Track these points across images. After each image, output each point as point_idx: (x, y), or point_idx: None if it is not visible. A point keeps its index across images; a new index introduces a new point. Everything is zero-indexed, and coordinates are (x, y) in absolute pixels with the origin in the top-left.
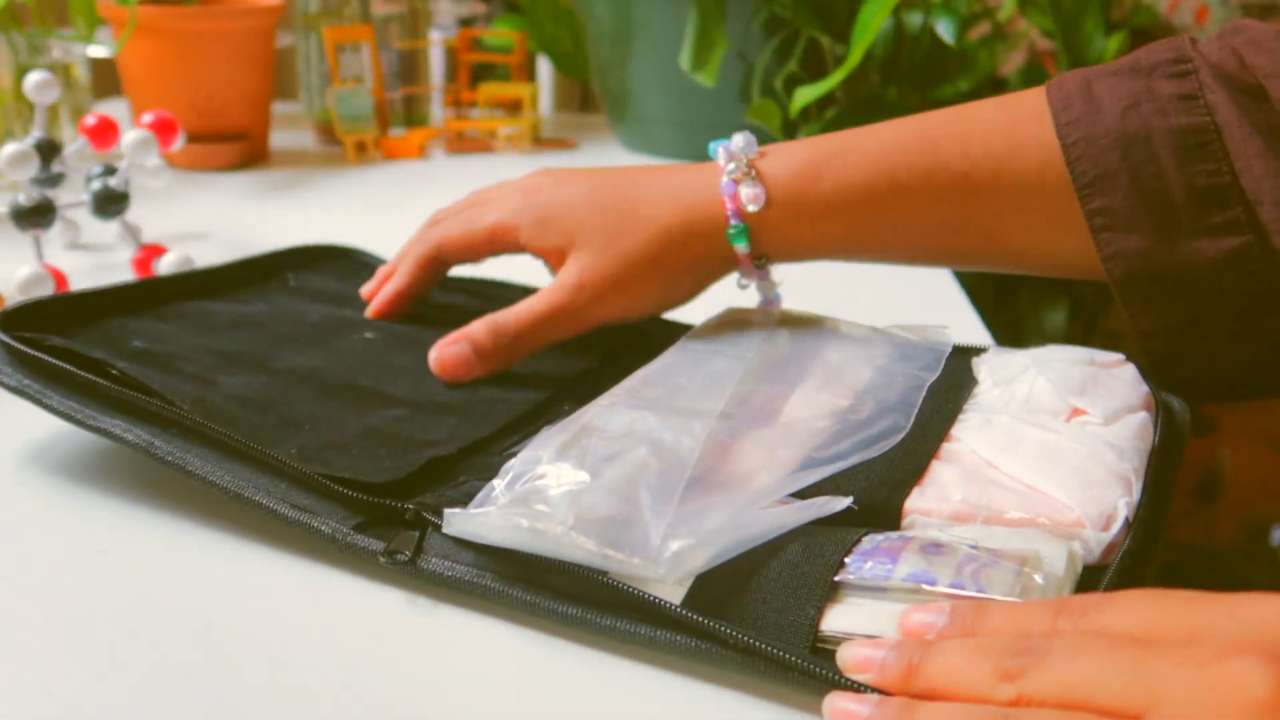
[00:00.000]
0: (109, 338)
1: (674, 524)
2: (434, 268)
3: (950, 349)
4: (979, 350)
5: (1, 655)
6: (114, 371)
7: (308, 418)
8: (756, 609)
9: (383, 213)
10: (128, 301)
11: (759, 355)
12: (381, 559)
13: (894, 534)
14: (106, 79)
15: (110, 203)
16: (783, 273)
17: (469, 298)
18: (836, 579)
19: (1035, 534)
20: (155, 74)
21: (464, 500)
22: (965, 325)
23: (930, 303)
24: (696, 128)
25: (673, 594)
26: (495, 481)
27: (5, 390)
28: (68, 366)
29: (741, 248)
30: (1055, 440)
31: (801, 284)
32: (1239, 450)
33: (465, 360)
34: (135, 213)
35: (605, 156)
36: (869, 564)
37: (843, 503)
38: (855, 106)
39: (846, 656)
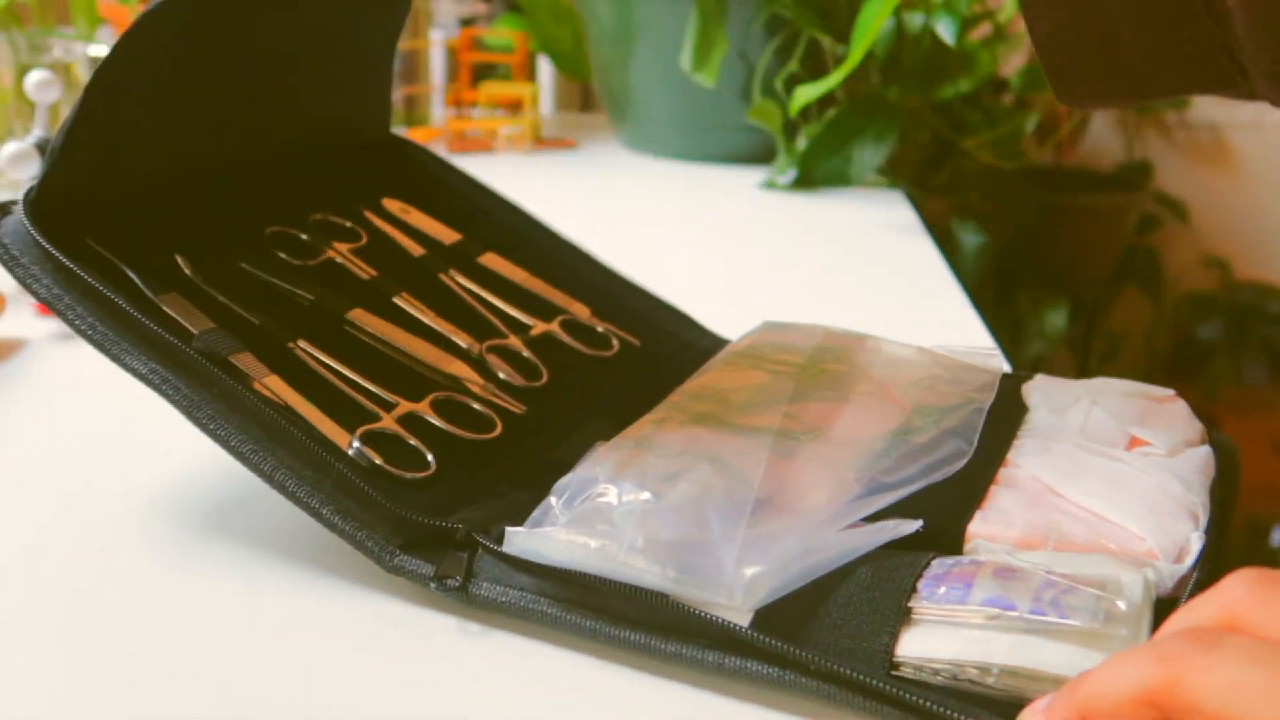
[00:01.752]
0: (160, 240)
1: (745, 548)
2: None
3: (1001, 374)
4: (1026, 377)
5: (1, 655)
6: (158, 301)
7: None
8: (828, 634)
9: None
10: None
11: (806, 370)
12: (431, 584)
13: (964, 559)
14: None
15: None
16: (783, 274)
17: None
18: (909, 604)
19: (1107, 560)
20: None
21: (513, 515)
22: (965, 325)
23: (931, 303)
24: (697, 128)
25: (739, 617)
26: (551, 499)
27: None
28: (102, 289)
29: None
30: (1121, 469)
31: (800, 286)
32: (1238, 451)
33: None
34: None
35: (605, 156)
36: (942, 589)
37: (913, 525)
38: (855, 106)
39: None
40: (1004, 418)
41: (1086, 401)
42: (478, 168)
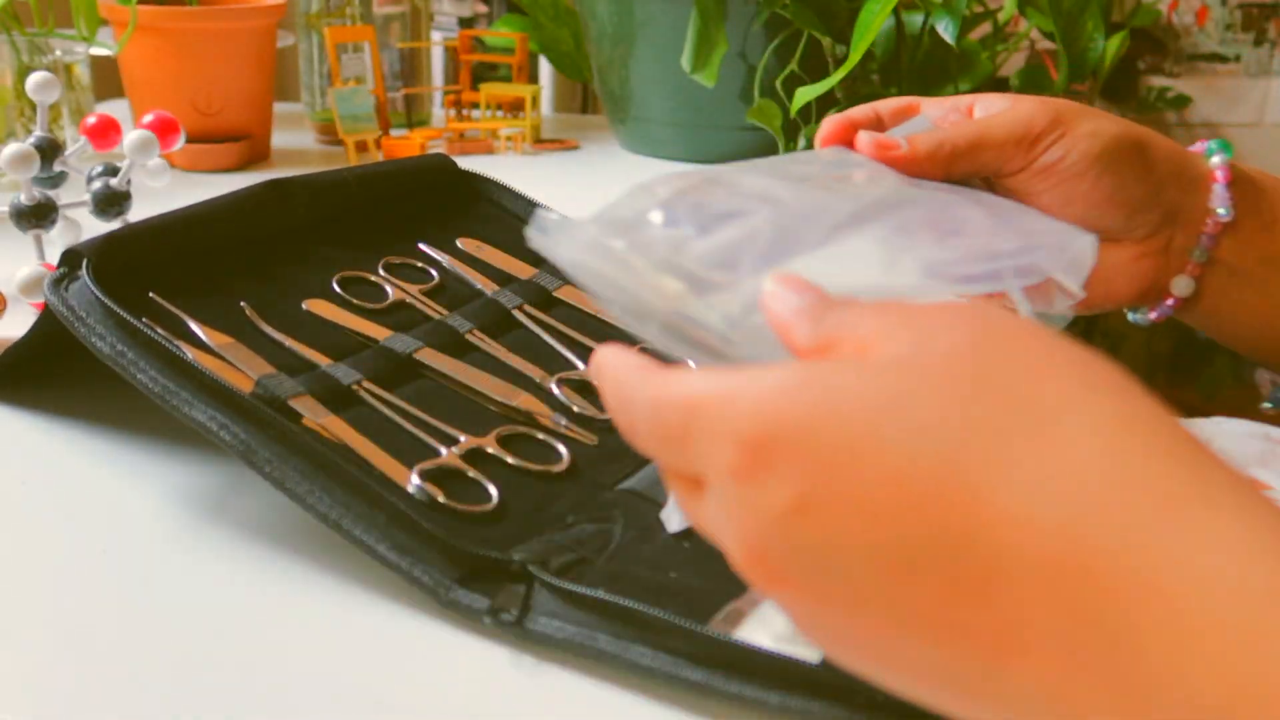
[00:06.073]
0: (214, 293)
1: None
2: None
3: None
4: None
5: (2, 655)
6: (213, 347)
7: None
8: None
9: None
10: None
11: (901, 183)
12: (486, 619)
13: None
14: (108, 79)
15: (111, 203)
16: None
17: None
18: None
19: None
20: (156, 74)
21: (576, 547)
22: None
23: None
24: (697, 128)
25: (809, 653)
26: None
27: (100, 357)
28: (165, 340)
29: (1218, 160)
30: None
31: None
32: None
33: (894, 145)
34: (136, 213)
35: (606, 157)
36: None
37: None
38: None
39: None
40: None
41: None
42: (478, 169)
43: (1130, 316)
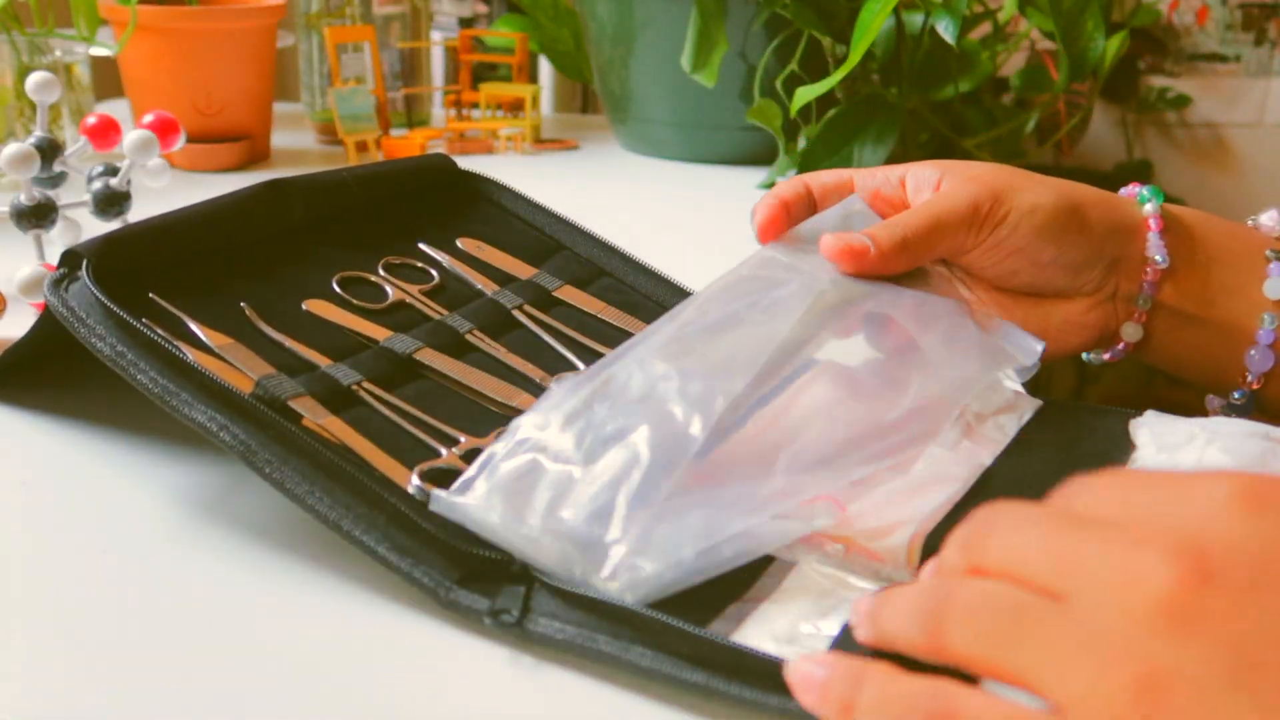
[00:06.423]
0: (214, 294)
1: (642, 540)
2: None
3: (1038, 358)
4: (1135, 413)
5: (2, 655)
6: (215, 348)
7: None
8: None
9: None
10: (244, 233)
11: (814, 310)
12: (486, 619)
13: None
14: (108, 79)
15: (111, 203)
16: None
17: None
18: None
19: None
20: (157, 74)
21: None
22: None
23: None
24: (697, 128)
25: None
26: (496, 446)
27: (101, 357)
28: (165, 341)
29: (1150, 208)
30: None
31: None
32: None
33: (864, 251)
34: (136, 213)
35: (606, 157)
36: None
37: (832, 516)
38: (855, 106)
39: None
40: (1108, 456)
41: (1202, 441)
42: (478, 169)
43: (1085, 357)
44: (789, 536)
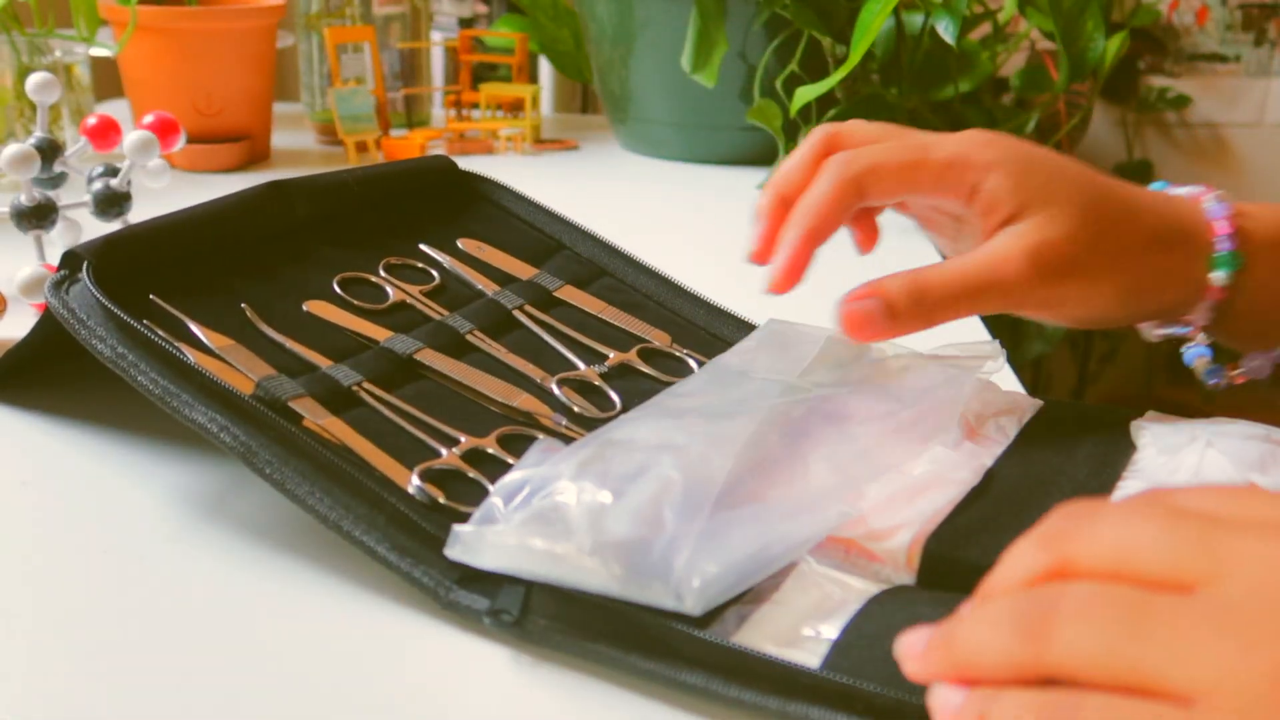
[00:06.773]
0: (215, 295)
1: (698, 548)
2: (852, 202)
3: (999, 362)
4: (1136, 414)
5: (2, 655)
6: (215, 350)
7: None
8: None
9: None
10: (241, 234)
11: (788, 396)
12: (486, 619)
13: None
14: (108, 79)
15: (111, 203)
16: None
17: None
18: None
19: None
20: (157, 74)
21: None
22: (965, 324)
23: None
24: (697, 128)
25: (809, 659)
26: (494, 499)
27: (101, 359)
28: (166, 342)
29: (1220, 276)
30: None
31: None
32: None
33: (872, 319)
34: (136, 213)
35: (606, 157)
36: None
37: (851, 512)
38: (855, 106)
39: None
40: (1110, 457)
41: (1202, 442)
42: (478, 169)
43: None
44: (829, 526)
